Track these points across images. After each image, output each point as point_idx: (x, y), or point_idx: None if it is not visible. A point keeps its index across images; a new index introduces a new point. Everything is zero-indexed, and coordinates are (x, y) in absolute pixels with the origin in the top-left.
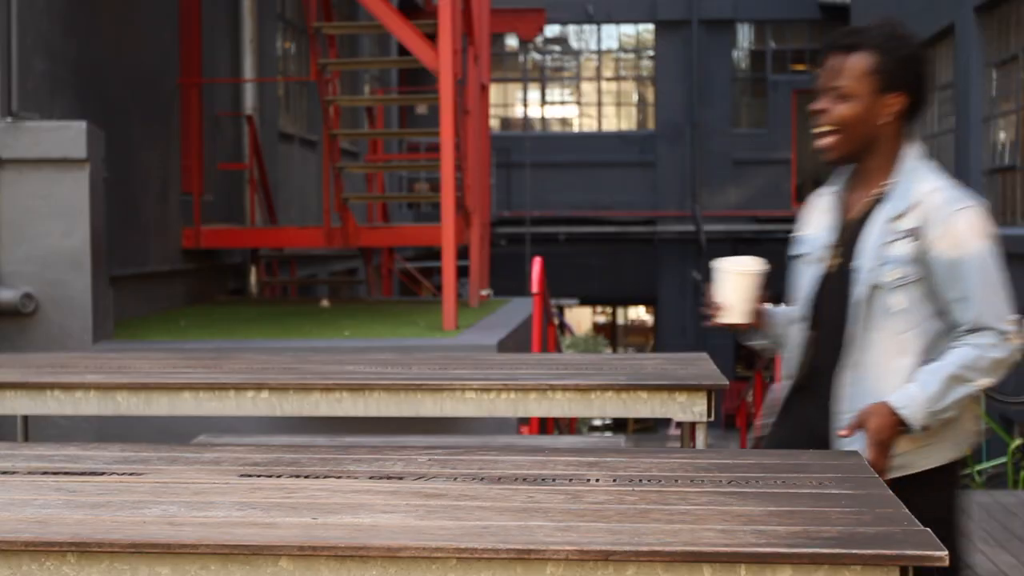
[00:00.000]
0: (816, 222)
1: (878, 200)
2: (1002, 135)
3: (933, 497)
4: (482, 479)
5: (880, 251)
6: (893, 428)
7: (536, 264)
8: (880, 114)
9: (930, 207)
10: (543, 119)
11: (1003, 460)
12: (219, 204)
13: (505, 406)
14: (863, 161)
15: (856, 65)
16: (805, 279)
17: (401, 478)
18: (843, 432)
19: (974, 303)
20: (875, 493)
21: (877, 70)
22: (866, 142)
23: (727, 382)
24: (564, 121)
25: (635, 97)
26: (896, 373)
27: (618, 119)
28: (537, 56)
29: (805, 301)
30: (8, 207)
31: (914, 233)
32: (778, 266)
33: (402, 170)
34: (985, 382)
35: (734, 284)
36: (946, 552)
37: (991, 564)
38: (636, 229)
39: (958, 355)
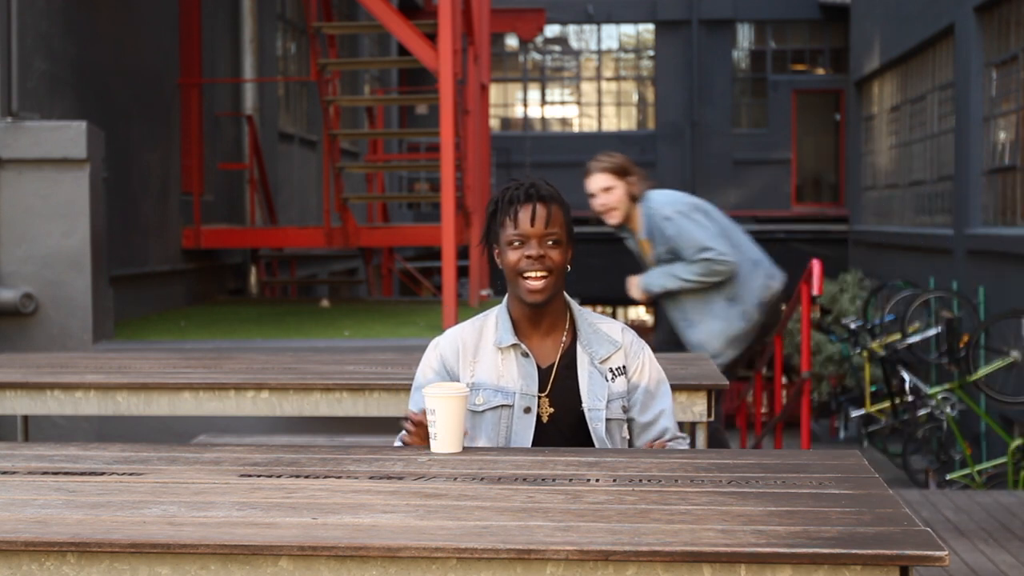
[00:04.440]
0: (495, 371)
1: (568, 347)
2: (1002, 135)
3: None
4: (482, 479)
5: (603, 391)
6: None
7: None
8: (567, 262)
9: (626, 345)
10: (543, 119)
11: (1003, 460)
12: (219, 204)
13: None
14: (548, 306)
15: (559, 215)
16: (507, 429)
17: (401, 478)
18: None
19: (670, 417)
20: (875, 493)
21: (567, 221)
22: (559, 288)
23: (727, 382)
24: (564, 121)
25: (635, 97)
26: None
27: (618, 119)
28: (537, 56)
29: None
30: (8, 207)
31: (622, 371)
32: (779, 264)
33: (402, 170)
34: None
35: (454, 409)
36: (946, 552)
37: (991, 564)
38: None
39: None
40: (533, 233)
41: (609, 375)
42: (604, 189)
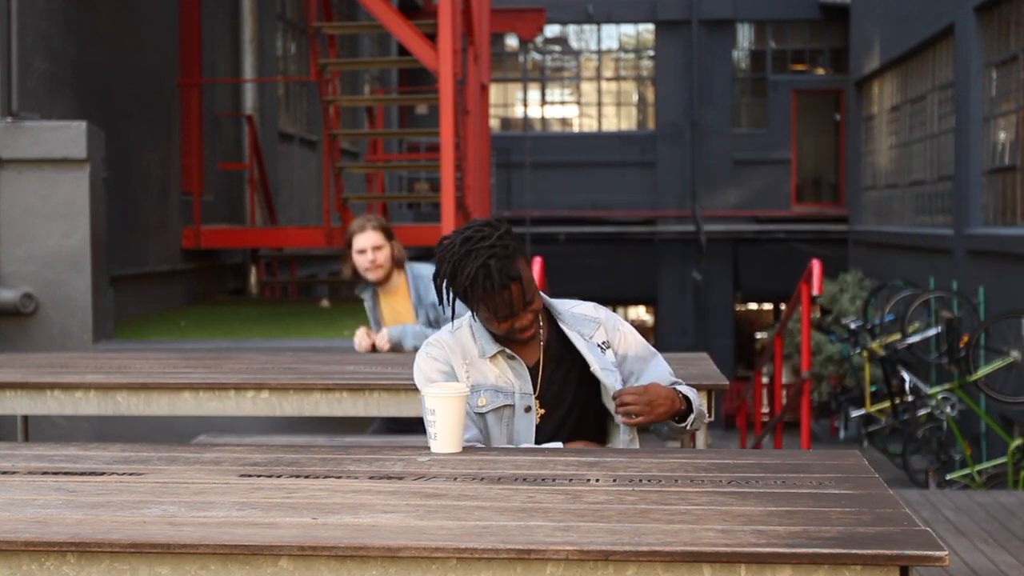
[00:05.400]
0: (490, 373)
1: (547, 343)
2: (1002, 135)
3: None
4: (482, 479)
5: (603, 359)
6: (671, 408)
7: (536, 264)
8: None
9: (603, 320)
10: (543, 119)
11: (1003, 460)
12: (219, 204)
13: None
14: None
15: (527, 275)
16: (508, 428)
17: (401, 478)
18: (621, 395)
19: (667, 370)
20: (875, 493)
21: (528, 262)
22: None
23: (727, 382)
24: (564, 121)
25: (635, 97)
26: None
27: (618, 119)
28: (537, 56)
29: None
30: (8, 207)
31: (607, 344)
32: (779, 264)
33: (402, 170)
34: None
35: (454, 409)
36: (946, 552)
37: (991, 564)
38: (636, 229)
39: (687, 389)
40: (517, 309)
41: (599, 349)
42: (375, 247)
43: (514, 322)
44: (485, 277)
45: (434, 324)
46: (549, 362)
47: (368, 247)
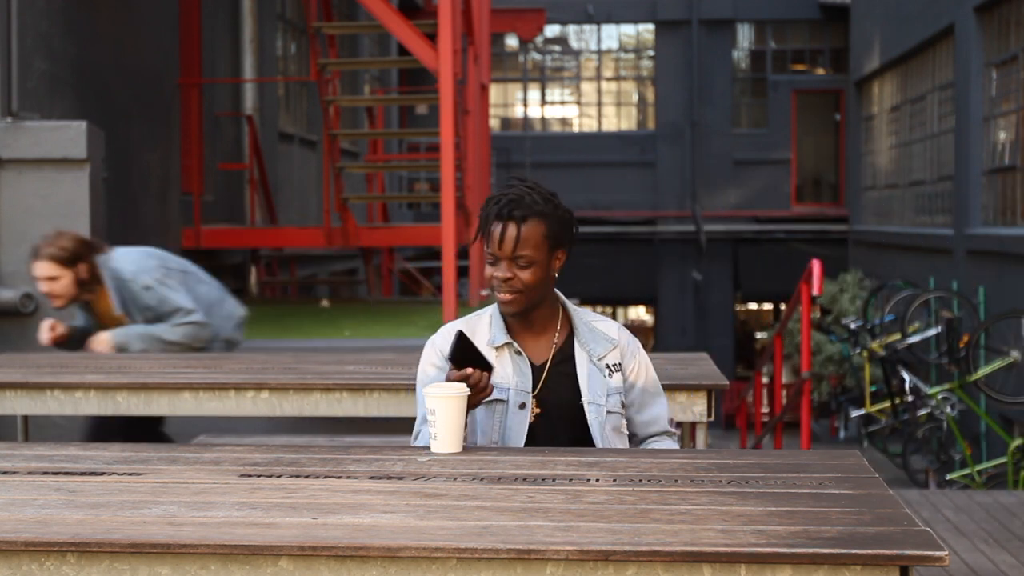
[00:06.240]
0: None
1: (562, 346)
2: (1002, 135)
3: None
4: (482, 479)
5: (602, 387)
6: None
7: None
8: (552, 271)
9: (622, 344)
10: (543, 119)
11: (1003, 460)
12: (219, 204)
13: None
14: (535, 311)
15: (534, 234)
16: (500, 424)
17: (401, 478)
18: None
19: (666, 413)
20: (875, 493)
21: (548, 235)
22: (542, 296)
23: (727, 382)
24: (564, 121)
25: (635, 97)
26: None
27: (618, 119)
28: (537, 56)
29: (512, 443)
30: (8, 207)
31: (619, 367)
32: (779, 264)
33: (402, 170)
34: None
35: (454, 409)
36: (946, 552)
37: (991, 564)
38: (636, 229)
39: (666, 444)
40: (503, 255)
41: (607, 371)
42: (48, 278)
43: (495, 271)
44: (496, 202)
45: (154, 322)
46: (557, 364)
47: (41, 278)
